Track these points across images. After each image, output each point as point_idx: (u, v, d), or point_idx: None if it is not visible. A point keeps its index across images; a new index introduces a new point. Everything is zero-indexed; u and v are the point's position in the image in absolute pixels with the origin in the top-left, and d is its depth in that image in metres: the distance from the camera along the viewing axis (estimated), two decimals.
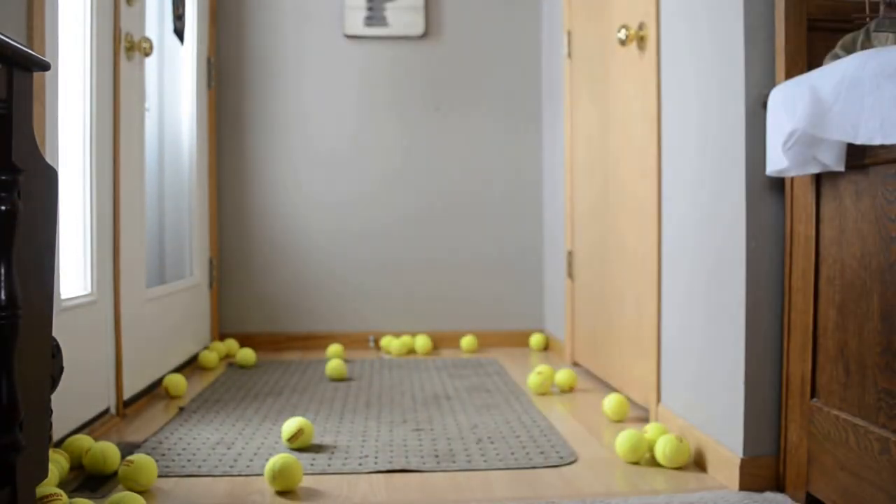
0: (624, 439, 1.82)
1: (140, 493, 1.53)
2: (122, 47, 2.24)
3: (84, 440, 1.76)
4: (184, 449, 1.90)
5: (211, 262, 3.33)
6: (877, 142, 1.21)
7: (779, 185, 1.62)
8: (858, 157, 1.33)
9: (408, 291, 3.47)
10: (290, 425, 1.92)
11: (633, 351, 2.34)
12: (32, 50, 1.22)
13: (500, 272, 3.51)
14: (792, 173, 1.49)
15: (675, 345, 1.99)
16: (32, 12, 1.69)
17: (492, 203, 3.51)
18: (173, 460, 1.81)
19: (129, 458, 1.63)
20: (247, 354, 2.99)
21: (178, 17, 2.95)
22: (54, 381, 1.22)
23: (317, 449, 1.91)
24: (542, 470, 1.78)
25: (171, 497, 1.60)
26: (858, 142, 1.25)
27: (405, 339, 3.28)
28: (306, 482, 1.68)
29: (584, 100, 2.88)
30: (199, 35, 3.20)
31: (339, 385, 2.65)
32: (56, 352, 1.22)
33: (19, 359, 1.04)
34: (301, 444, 1.91)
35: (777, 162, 1.48)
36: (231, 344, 3.24)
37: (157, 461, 1.68)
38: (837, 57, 1.47)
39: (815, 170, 1.43)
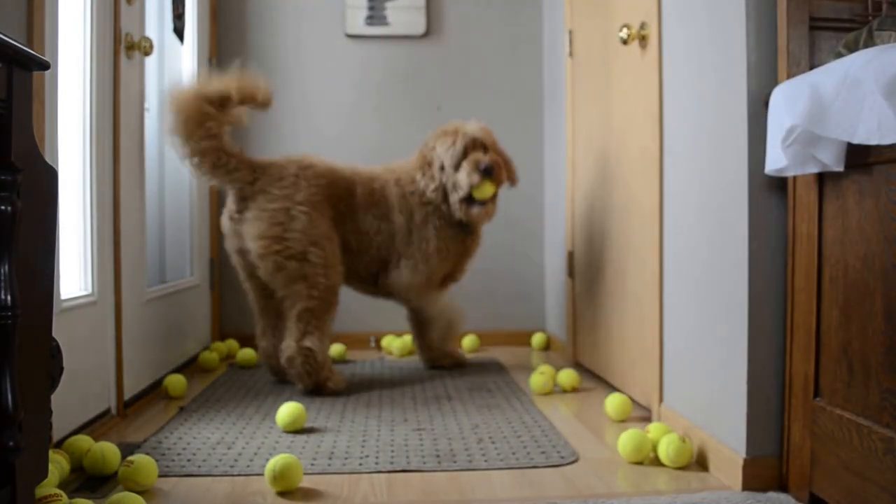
0: (627, 439, 1.81)
1: (140, 493, 1.53)
2: (122, 47, 2.24)
3: (84, 440, 1.76)
4: (184, 449, 1.90)
5: (212, 262, 3.33)
6: (873, 142, 1.21)
7: (781, 184, 1.61)
8: (862, 156, 1.33)
9: None
10: (285, 415, 2.04)
11: (634, 351, 2.33)
12: (32, 49, 1.21)
13: (501, 272, 3.51)
14: (790, 172, 1.49)
15: (678, 344, 1.99)
16: (32, 12, 1.68)
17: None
18: (173, 460, 1.81)
19: (130, 458, 1.63)
20: (248, 354, 2.99)
21: (178, 17, 2.94)
22: (54, 381, 1.22)
23: (317, 449, 1.91)
24: (543, 470, 1.77)
25: (171, 497, 1.60)
26: (856, 141, 1.25)
27: (406, 339, 3.27)
28: (306, 482, 1.68)
29: (586, 99, 2.87)
30: (200, 34, 3.19)
31: None
32: (56, 352, 1.22)
33: (19, 359, 1.04)
34: (296, 428, 2.03)
35: (776, 160, 1.48)
36: (232, 344, 3.24)
37: (157, 461, 1.68)
38: (840, 56, 1.46)
39: (815, 169, 1.43)
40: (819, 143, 1.38)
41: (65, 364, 1.25)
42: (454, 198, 2.64)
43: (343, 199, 2.61)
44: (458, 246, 2.76)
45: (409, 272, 2.71)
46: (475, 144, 2.63)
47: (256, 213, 2.46)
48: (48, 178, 1.18)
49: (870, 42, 1.45)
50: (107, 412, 2.15)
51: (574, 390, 2.56)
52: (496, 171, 2.61)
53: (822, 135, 1.34)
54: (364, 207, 2.65)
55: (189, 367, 2.95)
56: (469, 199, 2.62)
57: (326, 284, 2.48)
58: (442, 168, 2.65)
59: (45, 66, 1.13)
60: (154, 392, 2.51)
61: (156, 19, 2.85)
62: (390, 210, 2.68)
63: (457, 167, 2.61)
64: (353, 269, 2.68)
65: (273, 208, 2.45)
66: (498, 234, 3.45)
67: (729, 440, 1.68)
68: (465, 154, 2.61)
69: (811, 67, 1.53)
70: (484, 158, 2.59)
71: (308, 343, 2.44)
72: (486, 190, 2.60)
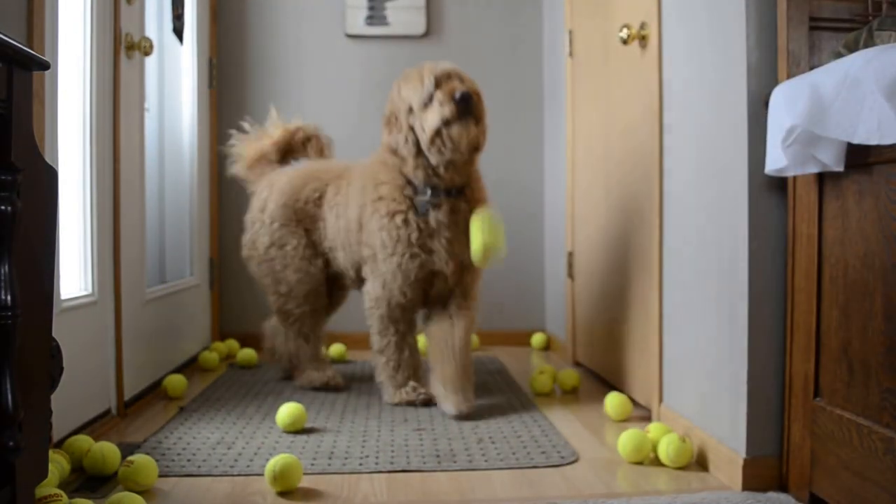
0: (627, 439, 1.81)
1: (140, 493, 1.53)
2: (122, 47, 2.24)
3: (84, 441, 1.76)
4: (184, 449, 1.90)
5: (212, 261, 3.33)
6: (873, 142, 1.21)
7: (781, 184, 1.61)
8: (862, 155, 1.33)
9: None
10: (285, 415, 2.04)
11: (634, 351, 2.33)
12: (32, 49, 1.21)
13: (502, 272, 3.50)
14: (790, 172, 1.49)
15: (677, 345, 1.99)
16: (32, 12, 1.68)
17: (492, 202, 3.50)
18: (173, 460, 1.81)
19: (130, 458, 1.63)
20: (248, 354, 2.98)
21: (178, 17, 2.94)
22: (54, 381, 1.22)
23: (317, 449, 1.91)
24: (543, 469, 1.77)
25: (171, 497, 1.60)
26: (856, 141, 1.25)
27: None
28: (306, 482, 1.68)
29: (586, 99, 2.87)
30: (200, 35, 3.19)
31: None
32: (56, 352, 1.22)
33: (19, 359, 1.04)
34: (296, 428, 2.03)
35: (776, 160, 1.48)
36: (232, 344, 3.24)
37: (157, 461, 1.68)
38: (840, 56, 1.46)
39: (814, 169, 1.43)
40: (819, 143, 1.38)
41: (65, 364, 1.25)
42: (424, 141, 2.14)
43: (311, 203, 2.52)
44: (437, 228, 2.22)
45: (370, 282, 2.35)
46: (449, 77, 2.17)
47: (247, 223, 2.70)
48: (48, 178, 1.18)
49: (870, 42, 1.45)
50: (107, 412, 2.15)
51: (574, 390, 2.56)
52: (476, 103, 2.14)
53: (822, 135, 1.34)
54: (329, 208, 2.48)
55: (189, 367, 2.95)
56: (443, 128, 2.11)
57: (286, 292, 2.55)
58: (411, 111, 2.18)
59: (45, 66, 1.13)
60: (154, 392, 2.51)
61: (155, 19, 2.85)
62: (346, 206, 2.41)
63: (427, 104, 2.14)
64: (333, 274, 2.60)
65: (250, 228, 2.66)
66: None
67: (729, 440, 1.68)
68: (436, 89, 2.14)
69: (811, 67, 1.53)
70: (460, 86, 2.12)
71: (280, 338, 2.63)
72: (463, 132, 2.09)
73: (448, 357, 2.26)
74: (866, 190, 1.34)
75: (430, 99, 2.13)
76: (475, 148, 2.19)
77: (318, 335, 2.63)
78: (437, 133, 2.11)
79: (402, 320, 2.34)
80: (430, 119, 2.11)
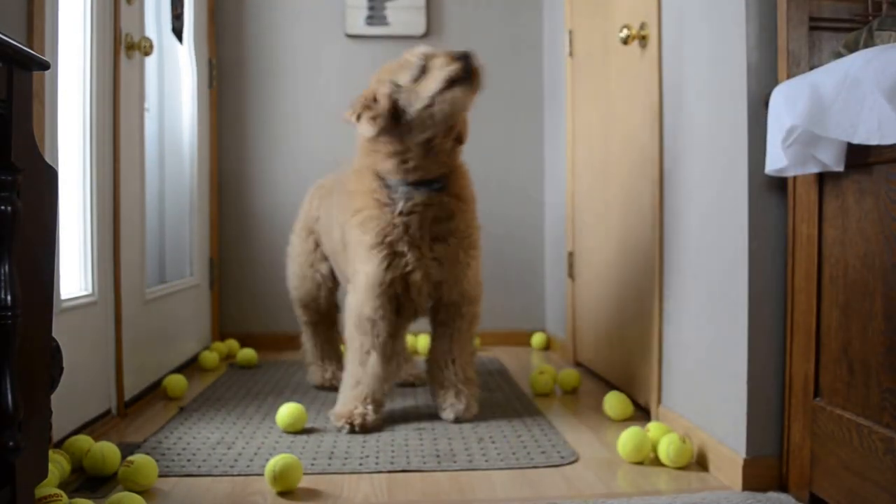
0: (627, 439, 1.81)
1: (140, 493, 1.53)
2: (122, 47, 2.24)
3: (84, 441, 1.76)
4: (184, 449, 1.90)
5: (211, 261, 3.33)
6: (874, 142, 1.21)
7: (781, 184, 1.61)
8: (862, 155, 1.33)
9: None
10: (285, 415, 2.04)
11: (634, 351, 2.33)
12: (32, 49, 1.21)
13: (502, 272, 3.51)
14: (790, 172, 1.49)
15: (677, 345, 1.99)
16: (32, 12, 1.68)
17: (492, 202, 3.49)
18: (173, 460, 1.81)
19: (130, 458, 1.63)
20: (248, 354, 2.98)
21: (177, 17, 2.94)
22: (54, 382, 1.22)
23: (317, 449, 1.91)
24: (543, 469, 1.77)
25: (171, 497, 1.60)
26: (856, 141, 1.25)
27: (408, 338, 3.27)
28: (307, 482, 1.68)
29: (586, 99, 2.87)
30: (199, 35, 3.19)
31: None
32: (56, 352, 1.22)
33: (19, 359, 1.04)
34: (296, 429, 2.03)
35: (776, 160, 1.48)
36: (232, 344, 3.23)
37: (157, 461, 1.68)
38: (840, 56, 1.46)
39: (815, 169, 1.43)
40: (819, 143, 1.38)
41: (65, 364, 1.25)
42: (416, 110, 1.95)
43: (317, 220, 2.53)
44: (410, 224, 2.04)
45: (350, 295, 2.17)
46: (435, 55, 1.98)
47: None
48: (48, 178, 1.18)
49: (870, 42, 1.45)
50: (107, 412, 2.15)
51: (574, 390, 2.56)
52: (475, 64, 1.93)
53: (822, 135, 1.34)
54: (321, 226, 2.48)
55: (189, 367, 2.95)
56: (437, 95, 1.93)
57: (297, 297, 2.63)
58: (397, 87, 1.99)
59: (45, 66, 1.13)
60: (154, 392, 2.51)
61: (155, 19, 2.85)
62: (331, 227, 2.34)
63: (418, 78, 1.95)
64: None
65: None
66: (498, 234, 3.45)
67: (729, 440, 1.68)
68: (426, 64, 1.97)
69: (811, 67, 1.53)
70: (458, 51, 1.94)
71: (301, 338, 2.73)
72: (466, 97, 1.95)
73: (446, 364, 2.23)
74: (866, 190, 1.34)
75: (422, 71, 1.95)
76: (457, 139, 2.13)
77: (329, 340, 2.68)
78: (432, 101, 1.93)
79: (372, 333, 2.11)
80: (429, 85, 1.93)
